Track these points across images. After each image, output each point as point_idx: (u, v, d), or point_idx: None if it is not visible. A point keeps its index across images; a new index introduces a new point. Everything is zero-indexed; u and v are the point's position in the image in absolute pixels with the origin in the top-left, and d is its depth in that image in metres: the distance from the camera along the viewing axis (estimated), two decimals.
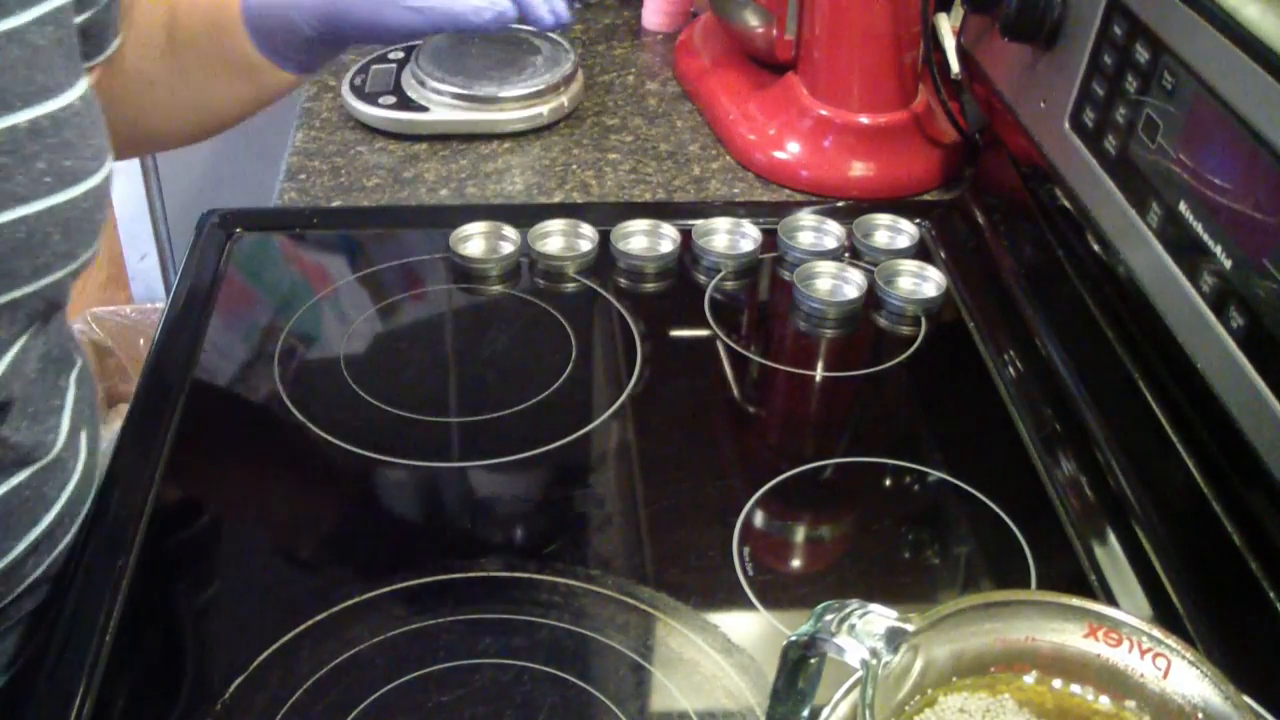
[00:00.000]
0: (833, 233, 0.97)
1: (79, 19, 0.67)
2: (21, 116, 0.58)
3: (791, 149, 1.08)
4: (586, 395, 0.83)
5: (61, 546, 0.72)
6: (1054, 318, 0.86)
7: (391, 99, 1.14)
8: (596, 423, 0.81)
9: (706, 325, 0.90)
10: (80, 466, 0.73)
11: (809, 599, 0.67)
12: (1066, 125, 0.79)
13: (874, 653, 0.47)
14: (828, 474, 0.78)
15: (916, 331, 0.90)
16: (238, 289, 0.93)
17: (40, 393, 0.68)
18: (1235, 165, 0.62)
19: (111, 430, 0.82)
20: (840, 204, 1.03)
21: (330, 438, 0.79)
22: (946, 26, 1.06)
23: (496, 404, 0.82)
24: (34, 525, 0.69)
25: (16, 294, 0.60)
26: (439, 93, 1.13)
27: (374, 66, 1.19)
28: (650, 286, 0.94)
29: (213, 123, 0.90)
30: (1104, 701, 0.50)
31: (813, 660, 0.51)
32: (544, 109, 1.15)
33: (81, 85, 0.63)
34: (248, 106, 0.88)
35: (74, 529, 0.73)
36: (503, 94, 1.13)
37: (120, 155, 0.78)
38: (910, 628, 0.47)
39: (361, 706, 0.61)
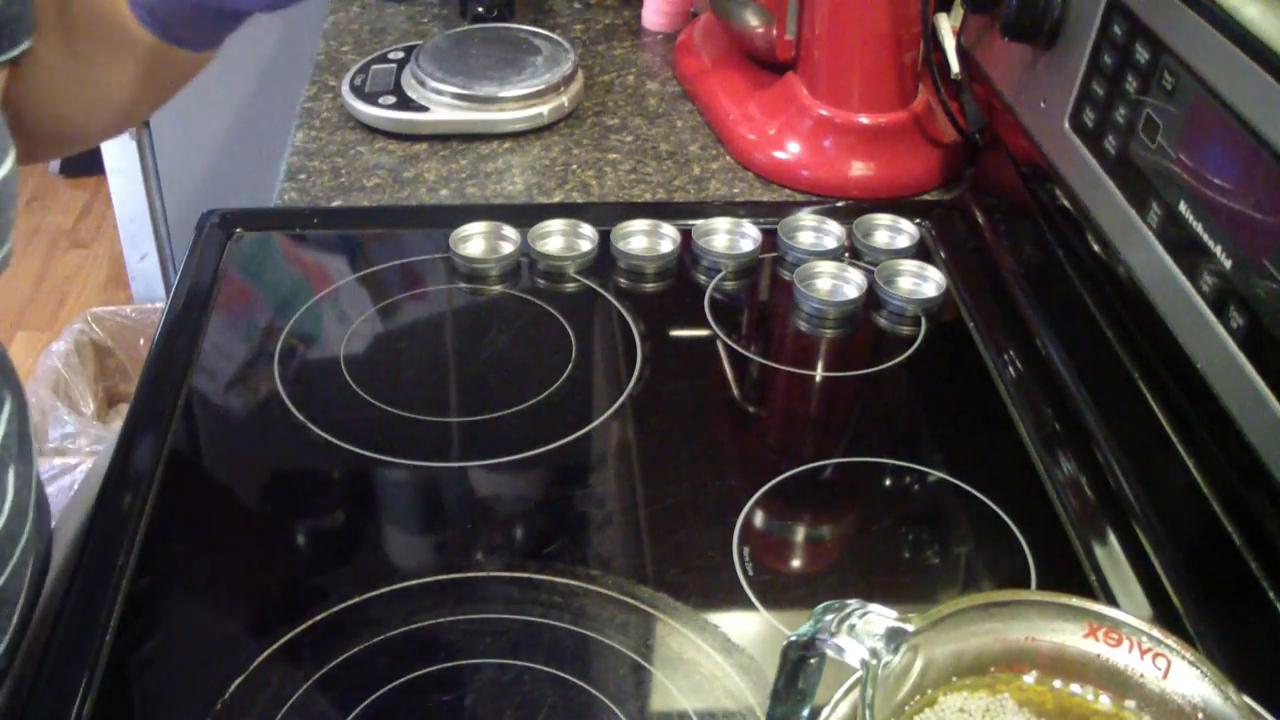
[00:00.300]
0: (833, 233, 0.97)
1: None
2: None
3: (791, 149, 1.08)
4: (586, 395, 0.84)
5: None
6: (1054, 318, 0.86)
7: (391, 99, 1.14)
8: (596, 423, 0.81)
9: (706, 325, 0.90)
10: (7, 506, 0.71)
11: (809, 599, 0.67)
12: (1066, 125, 0.79)
13: (874, 653, 0.47)
14: (828, 474, 0.78)
15: (916, 331, 0.90)
16: (238, 289, 0.93)
17: None
18: (1235, 165, 0.62)
19: (112, 430, 0.82)
20: (840, 204, 1.03)
21: (330, 438, 0.79)
22: (946, 26, 1.06)
23: (496, 404, 0.82)
24: None
25: None
26: (439, 93, 1.13)
27: (374, 67, 1.19)
28: (650, 286, 0.94)
29: (130, 109, 0.85)
30: (1104, 701, 0.50)
31: (813, 660, 0.51)
32: (544, 109, 1.15)
33: None
34: (160, 90, 0.83)
35: (6, 571, 0.71)
36: (503, 94, 1.13)
37: (46, 154, 0.75)
38: (910, 628, 0.47)
39: (361, 706, 0.61)
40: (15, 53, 0.73)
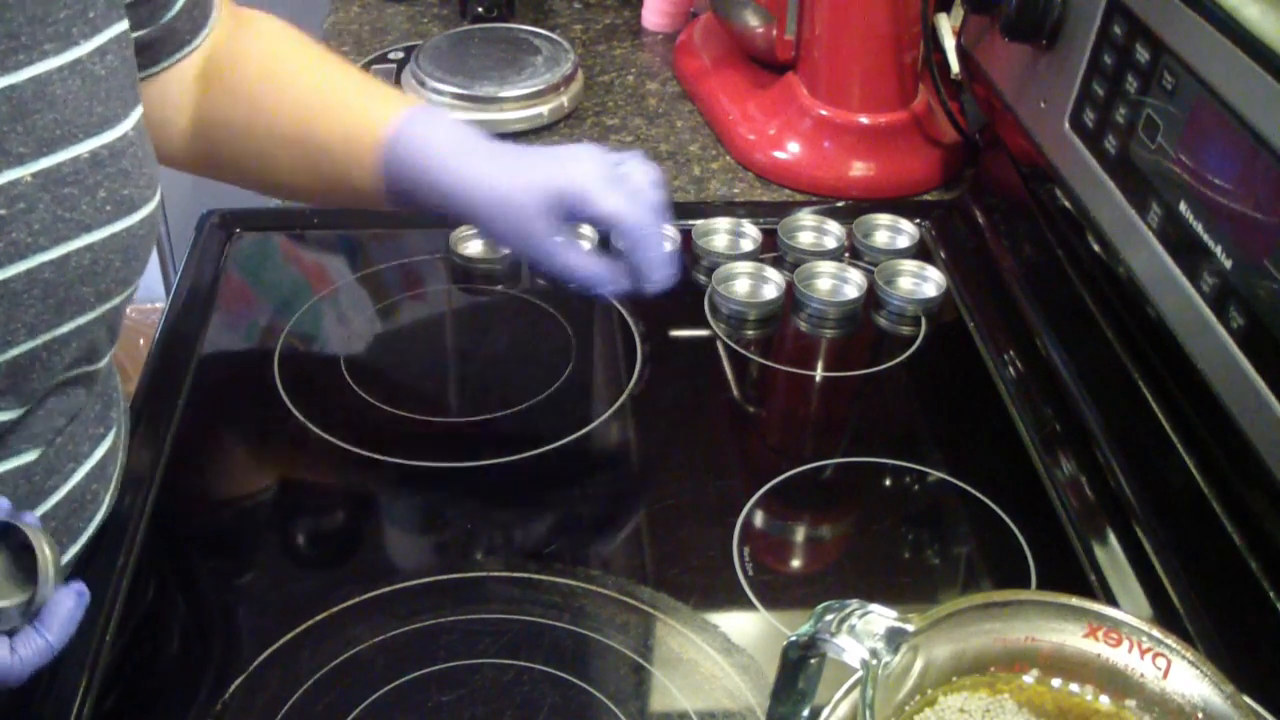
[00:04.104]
0: (833, 233, 0.97)
1: (138, 34, 0.67)
2: (84, 147, 0.59)
3: (791, 149, 1.08)
4: (586, 395, 0.83)
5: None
6: (1054, 318, 0.86)
7: None
8: (596, 423, 0.81)
9: (706, 325, 0.90)
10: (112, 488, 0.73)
11: (809, 599, 0.67)
12: (1066, 125, 0.79)
13: (874, 653, 0.47)
14: (828, 474, 0.78)
15: (916, 331, 0.90)
16: (238, 289, 0.93)
17: (86, 423, 0.68)
18: (1235, 165, 0.62)
19: None
20: (840, 204, 1.03)
21: (330, 438, 0.79)
22: (946, 26, 1.06)
23: (496, 404, 0.82)
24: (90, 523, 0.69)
25: (82, 320, 0.61)
26: (439, 93, 1.13)
27: (374, 67, 1.19)
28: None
29: (292, 197, 0.87)
30: (1104, 701, 0.50)
31: (813, 660, 0.51)
32: (544, 109, 1.15)
33: (135, 114, 0.64)
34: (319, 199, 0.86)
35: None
36: (503, 94, 1.13)
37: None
38: (910, 628, 0.47)
39: (361, 706, 0.61)
40: (183, 54, 0.74)
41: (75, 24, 0.59)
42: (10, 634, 0.54)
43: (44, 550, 0.54)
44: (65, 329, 0.60)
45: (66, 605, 0.55)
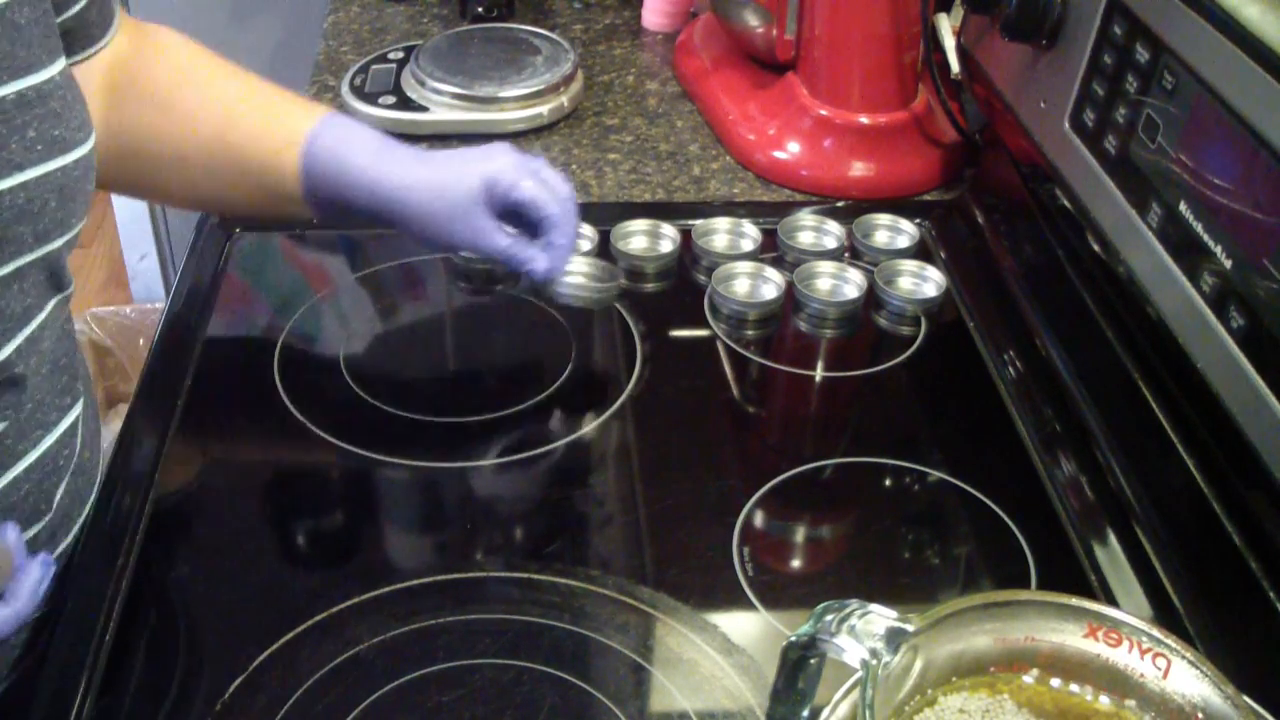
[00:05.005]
0: (833, 233, 0.97)
1: (60, 18, 0.69)
2: (10, 89, 0.62)
3: (791, 149, 1.08)
4: (586, 395, 0.83)
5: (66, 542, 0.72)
6: (1054, 318, 0.86)
7: (391, 99, 1.14)
8: (596, 423, 0.81)
9: (706, 325, 0.90)
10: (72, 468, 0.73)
11: (809, 599, 0.67)
12: (1066, 125, 0.79)
13: (874, 653, 0.47)
14: (828, 474, 0.78)
15: (916, 331, 0.90)
16: (238, 289, 0.93)
17: (51, 393, 0.69)
18: (1235, 165, 0.62)
19: (111, 430, 0.82)
20: (840, 204, 1.03)
21: (330, 438, 0.79)
22: (946, 26, 1.06)
23: (496, 404, 0.82)
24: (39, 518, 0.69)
25: (21, 261, 0.63)
26: (439, 93, 1.13)
27: (374, 67, 1.19)
28: (650, 286, 0.94)
29: (209, 209, 0.90)
30: (1104, 701, 0.50)
31: (813, 660, 0.51)
32: (544, 109, 1.14)
33: (60, 63, 0.66)
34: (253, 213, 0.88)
35: (74, 530, 0.73)
36: (503, 94, 1.13)
37: (112, 188, 0.82)
38: (910, 628, 0.47)
39: (361, 706, 0.61)
40: (93, 50, 0.76)
41: None
42: None
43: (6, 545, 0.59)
44: (5, 269, 0.62)
45: (34, 575, 0.59)
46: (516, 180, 0.77)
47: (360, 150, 0.78)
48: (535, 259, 0.78)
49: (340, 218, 0.80)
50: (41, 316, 0.67)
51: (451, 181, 0.77)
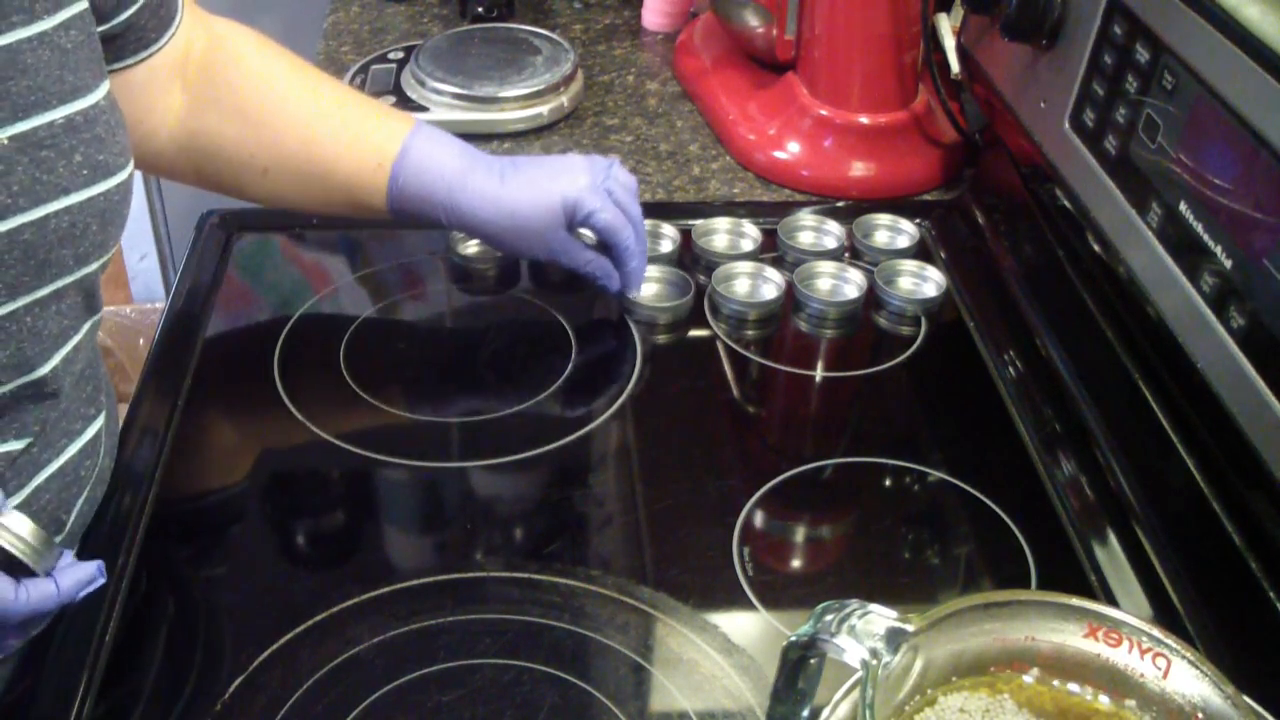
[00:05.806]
0: (833, 233, 0.97)
1: (103, 28, 0.70)
2: (59, 113, 0.62)
3: (791, 149, 1.08)
4: (586, 395, 0.83)
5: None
6: (1054, 318, 0.86)
7: (391, 99, 1.14)
8: (596, 423, 0.81)
9: (706, 325, 0.90)
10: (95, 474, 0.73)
11: (809, 599, 0.67)
12: (1066, 125, 0.79)
13: (874, 653, 0.47)
14: (828, 474, 0.78)
15: (916, 331, 0.90)
16: (238, 289, 0.93)
17: (78, 402, 0.69)
18: (1235, 165, 0.62)
19: None
20: (840, 204, 1.03)
21: (330, 438, 0.79)
22: (946, 26, 1.06)
23: (496, 404, 0.82)
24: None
25: (60, 283, 0.63)
26: (439, 93, 1.13)
27: (374, 67, 1.19)
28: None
29: (289, 206, 0.90)
30: (1104, 701, 0.50)
31: (813, 660, 0.51)
32: (544, 109, 1.15)
33: (104, 86, 0.66)
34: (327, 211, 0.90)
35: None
36: (503, 94, 1.13)
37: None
38: (910, 628, 0.47)
39: (361, 706, 0.61)
40: (152, 51, 0.76)
41: (39, 1, 0.61)
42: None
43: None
44: (44, 291, 0.62)
45: (86, 569, 0.60)
46: (593, 210, 0.83)
47: (438, 178, 0.82)
48: (613, 277, 0.87)
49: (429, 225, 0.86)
50: (77, 338, 0.67)
51: (527, 205, 0.83)
